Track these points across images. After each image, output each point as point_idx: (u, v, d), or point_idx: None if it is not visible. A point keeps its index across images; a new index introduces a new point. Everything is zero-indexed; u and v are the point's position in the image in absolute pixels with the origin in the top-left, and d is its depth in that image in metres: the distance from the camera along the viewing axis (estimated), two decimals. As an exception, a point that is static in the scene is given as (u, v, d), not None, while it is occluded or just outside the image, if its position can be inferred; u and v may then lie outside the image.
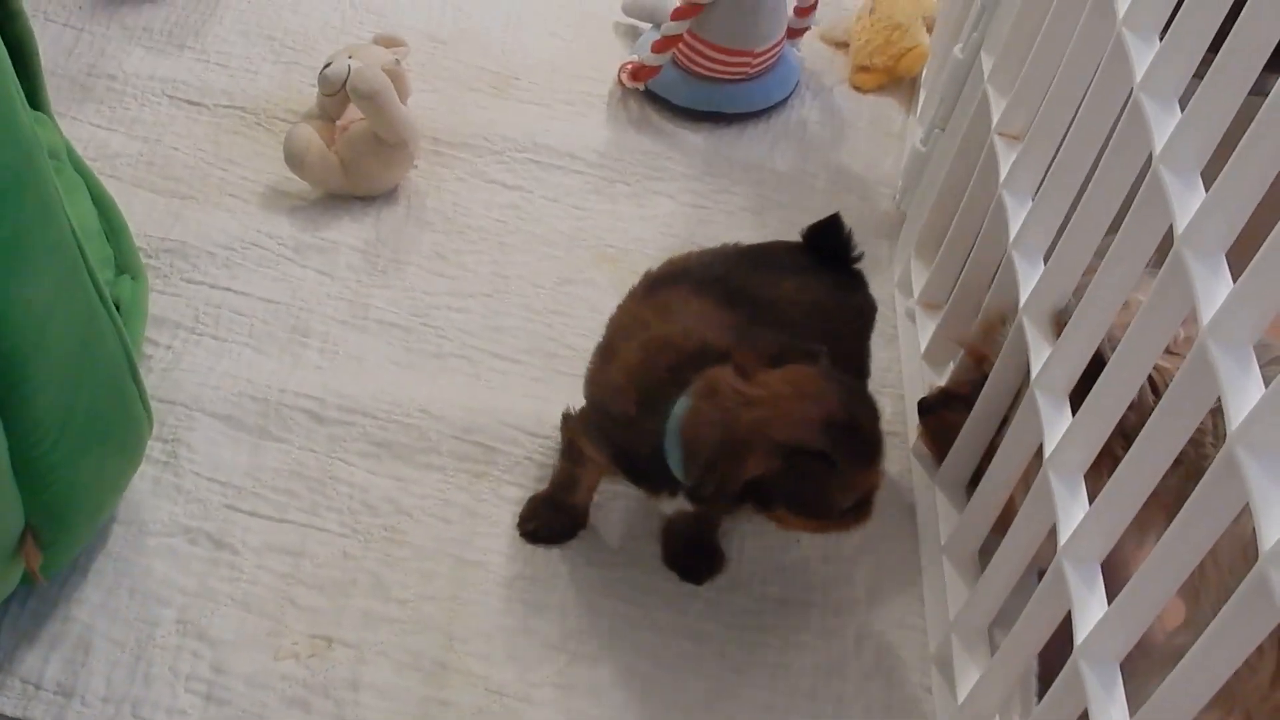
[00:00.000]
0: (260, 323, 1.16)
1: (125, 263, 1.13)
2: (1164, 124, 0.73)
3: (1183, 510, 0.62)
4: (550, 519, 1.03)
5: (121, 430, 0.88)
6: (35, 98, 1.16)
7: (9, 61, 0.75)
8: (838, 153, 1.41)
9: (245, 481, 1.03)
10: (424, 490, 1.05)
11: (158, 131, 1.34)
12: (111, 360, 0.86)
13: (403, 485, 1.05)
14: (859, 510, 0.89)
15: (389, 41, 1.35)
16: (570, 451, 0.99)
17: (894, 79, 1.48)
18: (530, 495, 1.05)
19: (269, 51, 1.44)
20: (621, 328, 0.97)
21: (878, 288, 1.22)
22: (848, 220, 1.03)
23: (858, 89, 1.48)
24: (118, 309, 1.04)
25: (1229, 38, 0.67)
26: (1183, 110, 0.72)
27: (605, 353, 0.96)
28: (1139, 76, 0.76)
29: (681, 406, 0.86)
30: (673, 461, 0.88)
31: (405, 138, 1.26)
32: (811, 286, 0.98)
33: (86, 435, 0.82)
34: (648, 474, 0.92)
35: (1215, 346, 0.62)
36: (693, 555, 1.03)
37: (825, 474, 0.84)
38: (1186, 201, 0.68)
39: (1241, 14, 0.66)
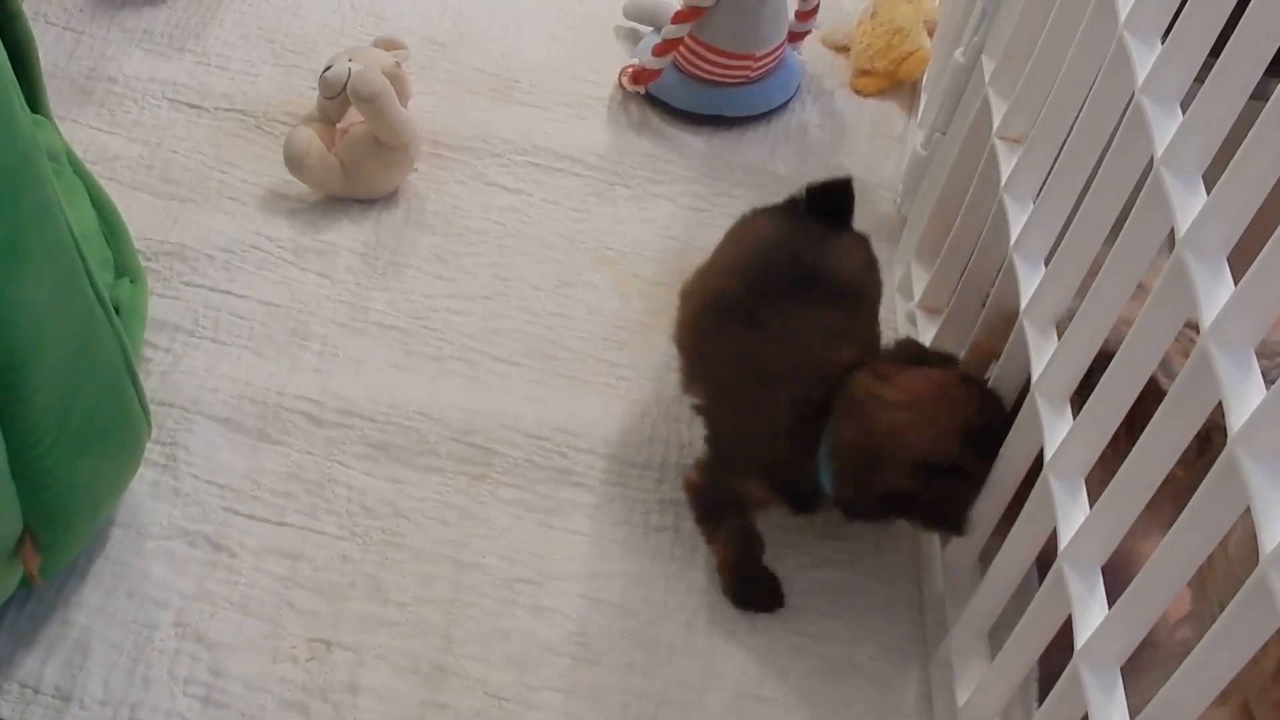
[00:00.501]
0: (259, 325, 1.16)
1: (125, 265, 1.13)
2: (1165, 127, 0.72)
3: (1184, 513, 0.62)
4: (756, 587, 1.00)
5: (120, 433, 0.88)
6: (35, 100, 1.16)
7: (8, 64, 0.75)
8: (838, 156, 1.41)
9: (244, 484, 1.03)
10: (422, 493, 1.05)
11: (158, 134, 1.34)
12: (109, 363, 0.86)
13: (401, 488, 1.05)
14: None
15: (389, 44, 1.36)
16: (726, 506, 0.98)
17: (895, 83, 1.48)
18: (722, 581, 1.00)
19: (269, 54, 1.44)
20: (733, 361, 0.96)
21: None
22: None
23: (859, 93, 1.48)
24: (117, 312, 1.04)
25: (1230, 41, 0.67)
26: (1184, 113, 0.72)
27: (733, 393, 0.95)
28: (1140, 79, 0.76)
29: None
30: (824, 477, 0.90)
31: (405, 141, 1.26)
32: (844, 253, 1.02)
33: (84, 437, 0.82)
34: (804, 495, 0.94)
35: (1216, 349, 0.62)
36: (750, 585, 1.01)
37: (962, 489, 0.87)
38: (1188, 204, 0.68)
39: (1243, 18, 0.66)
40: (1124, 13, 0.80)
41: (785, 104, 1.45)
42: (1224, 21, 0.72)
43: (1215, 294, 0.64)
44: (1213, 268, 0.65)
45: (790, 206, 1.06)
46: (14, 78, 0.76)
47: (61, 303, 0.79)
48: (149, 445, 1.00)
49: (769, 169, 1.38)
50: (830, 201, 1.03)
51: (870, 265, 1.04)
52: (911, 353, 0.92)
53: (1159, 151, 0.72)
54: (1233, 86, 0.67)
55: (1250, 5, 0.65)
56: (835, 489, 0.90)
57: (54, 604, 0.95)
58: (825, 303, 0.96)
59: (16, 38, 1.10)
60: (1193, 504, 0.62)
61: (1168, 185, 0.70)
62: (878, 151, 1.42)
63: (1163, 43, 0.76)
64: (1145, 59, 0.77)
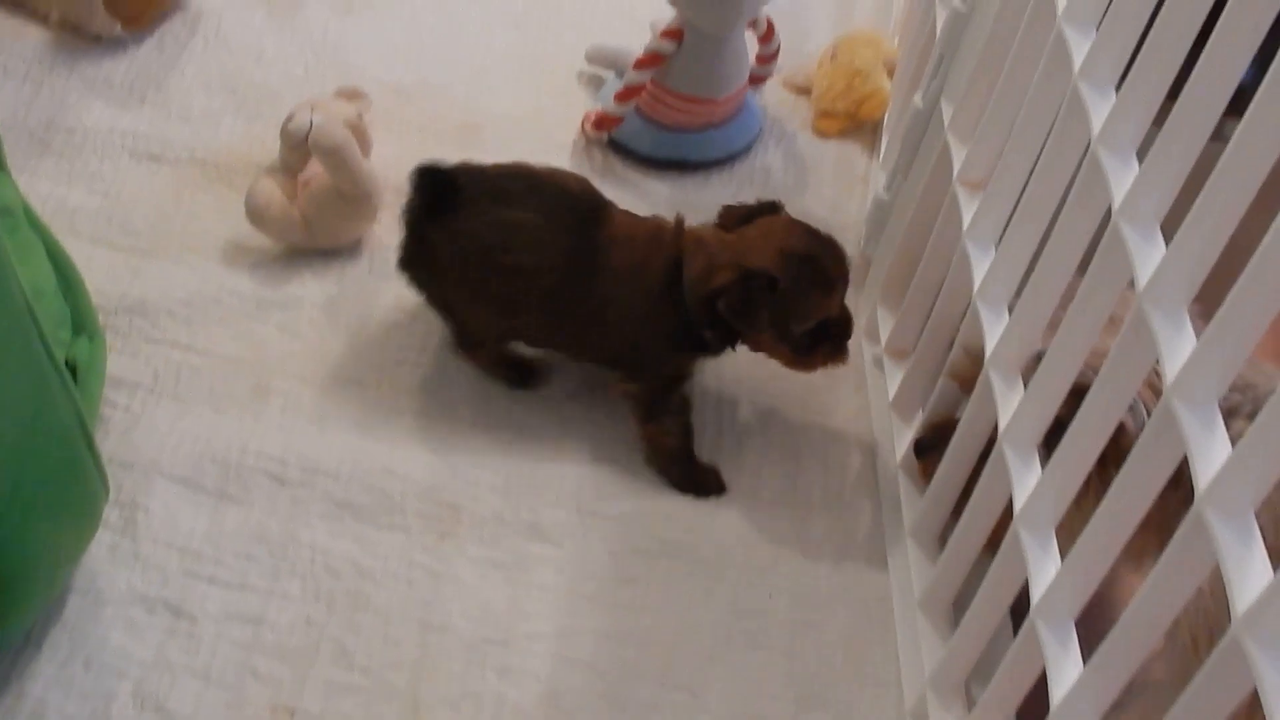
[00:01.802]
0: (221, 381, 1.15)
1: (82, 322, 1.11)
2: (1122, 178, 0.73)
3: (1153, 572, 0.62)
4: (701, 472, 1.13)
5: (76, 500, 0.86)
6: (-11, 156, 1.14)
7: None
8: (802, 199, 1.41)
9: (205, 547, 1.02)
10: (387, 552, 1.03)
11: (117, 186, 1.33)
12: (64, 429, 0.84)
13: (366, 547, 1.03)
14: (829, 346, 1.08)
15: (351, 94, 1.35)
16: (663, 394, 1.12)
17: (856, 124, 1.48)
18: (667, 470, 1.12)
19: (231, 103, 1.43)
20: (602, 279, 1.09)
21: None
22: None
23: (821, 134, 1.49)
24: (74, 371, 1.03)
25: (1185, 88, 0.66)
26: (1141, 160, 0.72)
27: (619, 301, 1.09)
28: (1096, 130, 0.76)
29: (687, 262, 1.07)
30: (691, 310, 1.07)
31: (367, 192, 1.25)
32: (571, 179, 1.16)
33: (38, 506, 0.81)
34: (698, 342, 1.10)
35: (1180, 405, 0.62)
36: (696, 471, 1.13)
37: (777, 292, 1.03)
38: (1147, 256, 0.68)
39: (1197, 65, 0.66)
40: (1078, 62, 0.81)
41: (748, 147, 1.45)
42: (1178, 69, 0.72)
43: (1178, 347, 0.63)
44: (1174, 320, 0.65)
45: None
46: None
47: (11, 369, 0.78)
48: (107, 508, 0.98)
49: (734, 212, 1.38)
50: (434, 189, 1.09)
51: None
52: (739, 213, 1.10)
53: (1116, 203, 0.72)
54: (1189, 134, 0.67)
55: (1204, 54, 0.65)
56: (695, 316, 1.07)
57: (8, 675, 0.93)
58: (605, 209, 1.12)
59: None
60: (1163, 562, 0.61)
61: (1126, 237, 0.70)
62: (841, 193, 1.42)
63: (1118, 89, 0.76)
64: (1100, 109, 0.77)
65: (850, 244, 1.34)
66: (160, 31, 1.50)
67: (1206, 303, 0.64)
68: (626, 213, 1.13)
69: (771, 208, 1.10)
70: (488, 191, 1.09)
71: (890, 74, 1.47)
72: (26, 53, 1.46)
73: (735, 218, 1.09)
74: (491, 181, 1.10)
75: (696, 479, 1.12)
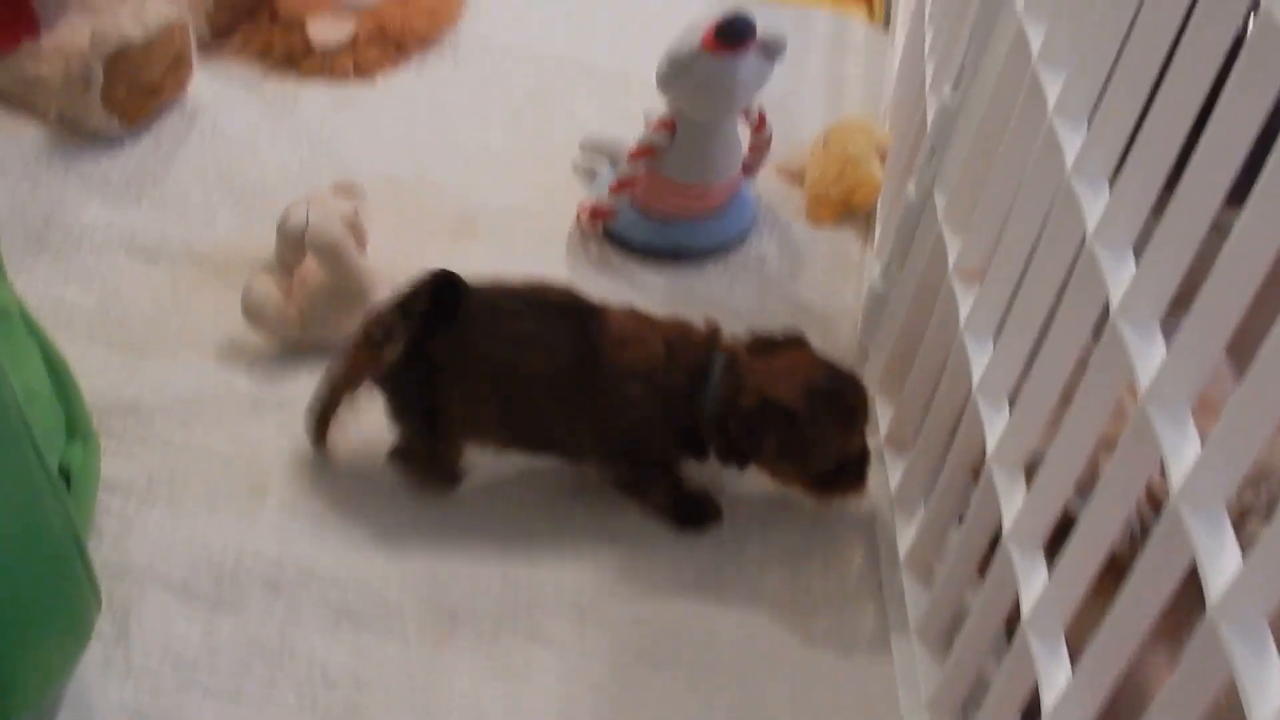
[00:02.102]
0: (216, 483, 1.14)
1: (76, 426, 1.10)
2: (1119, 276, 0.72)
3: (1169, 684, 0.61)
4: (696, 506, 1.16)
5: (67, 614, 0.85)
6: (-15, 258, 1.14)
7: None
8: (797, 287, 1.41)
9: (199, 656, 1.00)
10: (385, 658, 1.01)
11: (114, 284, 1.33)
12: (56, 542, 0.83)
13: (363, 654, 1.01)
14: (849, 478, 1.11)
15: (347, 189, 1.35)
16: (655, 477, 1.14)
17: (850, 211, 1.49)
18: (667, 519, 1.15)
19: (228, 199, 1.44)
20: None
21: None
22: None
23: (814, 222, 1.49)
24: (68, 477, 1.02)
25: (1182, 182, 0.66)
26: (1139, 254, 0.71)
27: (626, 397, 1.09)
28: (1091, 227, 0.76)
29: (714, 380, 1.08)
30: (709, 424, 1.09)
31: (363, 287, 1.25)
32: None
33: (28, 623, 0.79)
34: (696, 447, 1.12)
35: (1187, 510, 0.61)
36: (692, 507, 1.16)
37: (796, 427, 1.05)
38: (1147, 357, 0.68)
39: (1193, 159, 0.65)
40: (1070, 157, 0.81)
41: (743, 236, 1.45)
42: (1173, 162, 0.72)
43: (1182, 452, 0.63)
44: (1178, 423, 0.65)
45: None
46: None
47: (4, 484, 0.77)
48: (99, 619, 0.96)
49: (728, 304, 1.37)
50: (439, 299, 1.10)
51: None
52: (765, 341, 1.12)
53: (1114, 301, 0.72)
54: (1187, 229, 0.67)
55: (1201, 146, 0.64)
56: (708, 430, 1.09)
57: (0, 791, 0.91)
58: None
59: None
60: (1179, 674, 0.60)
61: (1125, 336, 0.70)
62: (836, 281, 1.42)
63: (1113, 183, 0.76)
64: (1094, 206, 0.77)
65: (846, 333, 1.35)
66: (157, 127, 1.51)
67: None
68: (633, 312, 1.14)
69: (797, 342, 1.12)
70: (486, 305, 1.10)
71: (882, 161, 1.48)
72: (24, 150, 1.47)
73: (762, 345, 1.11)
74: (486, 295, 1.11)
75: (692, 520, 1.15)
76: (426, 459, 1.15)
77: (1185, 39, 0.67)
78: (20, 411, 0.82)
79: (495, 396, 1.10)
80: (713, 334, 1.12)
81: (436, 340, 1.08)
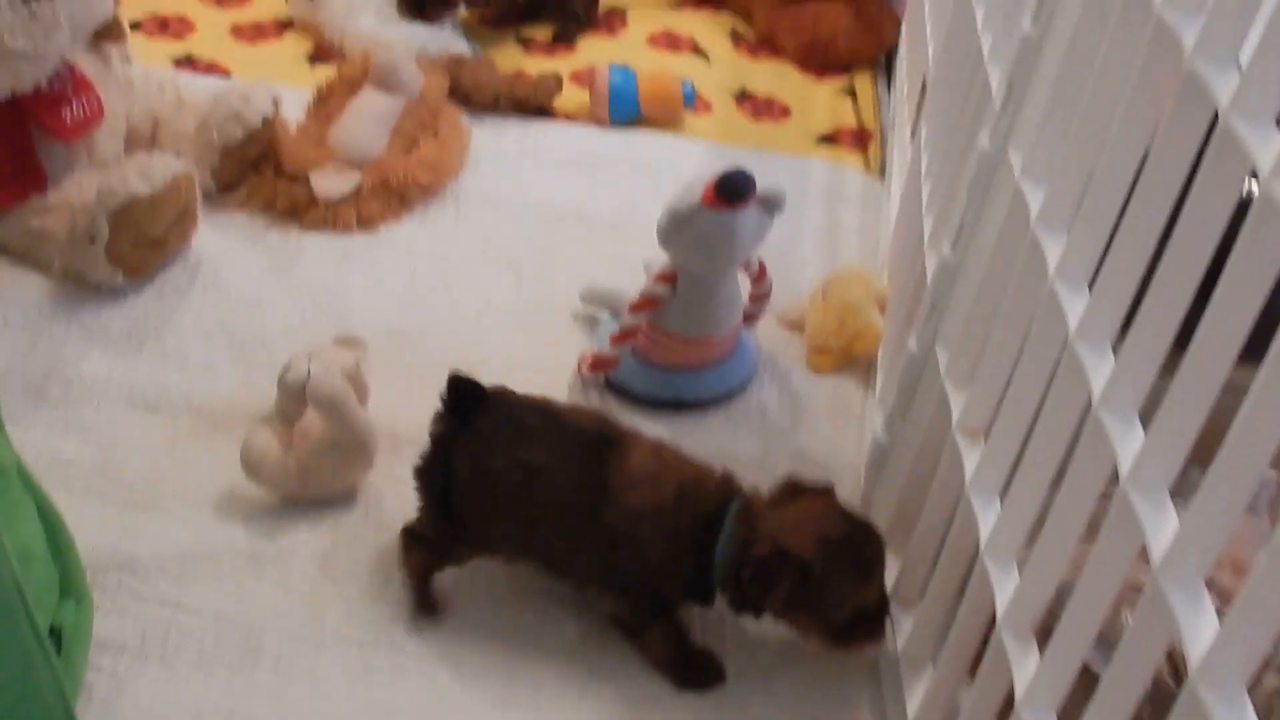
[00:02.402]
0: (210, 642, 1.12)
1: (70, 585, 1.09)
2: (1127, 445, 0.72)
3: None
4: (699, 667, 1.14)
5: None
6: (-14, 417, 1.14)
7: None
8: (798, 437, 1.41)
9: (189, 828, 0.97)
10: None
11: (112, 437, 1.32)
12: (46, 709, 0.81)
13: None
14: (867, 628, 1.08)
15: (349, 342, 1.36)
16: (653, 617, 1.13)
17: (850, 360, 1.50)
18: (665, 673, 1.13)
19: (229, 351, 1.44)
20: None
21: (848, 579, 1.19)
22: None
23: (815, 371, 1.50)
24: (60, 639, 1.00)
25: (1190, 347, 0.66)
26: (1146, 420, 0.71)
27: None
28: (1096, 393, 0.76)
29: (728, 528, 1.08)
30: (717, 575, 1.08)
31: (364, 442, 1.24)
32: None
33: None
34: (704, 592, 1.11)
35: (1204, 689, 0.60)
36: (694, 667, 1.14)
37: (812, 579, 1.03)
38: (1159, 528, 0.67)
39: (1202, 323, 0.65)
40: (1073, 322, 0.81)
41: (744, 385, 1.45)
42: (1180, 322, 0.72)
43: (1197, 628, 0.62)
44: (1192, 597, 0.64)
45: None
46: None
47: (-2, 657, 0.76)
48: (89, 788, 0.94)
49: (730, 454, 1.37)
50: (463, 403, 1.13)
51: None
52: (791, 487, 1.11)
53: (1124, 470, 0.71)
54: (1198, 394, 0.66)
55: (1213, 302, 0.64)
56: (720, 577, 1.08)
57: None
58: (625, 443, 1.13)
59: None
60: None
61: (1136, 506, 0.69)
62: (838, 431, 1.42)
63: (1117, 347, 0.76)
64: (1099, 371, 0.77)
65: (849, 484, 1.34)
66: (160, 279, 1.52)
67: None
68: (658, 449, 1.14)
69: (824, 492, 1.11)
70: (509, 424, 1.12)
71: (882, 310, 1.49)
72: (27, 302, 1.47)
73: (788, 493, 1.11)
74: (513, 413, 1.13)
75: (693, 679, 1.13)
76: (433, 551, 1.16)
77: (1188, 205, 0.67)
78: (15, 577, 0.80)
79: (506, 514, 1.12)
80: (727, 480, 1.12)
81: (458, 449, 1.11)
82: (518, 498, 1.10)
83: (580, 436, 1.12)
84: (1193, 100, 0.66)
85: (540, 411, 1.14)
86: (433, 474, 1.13)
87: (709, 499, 1.10)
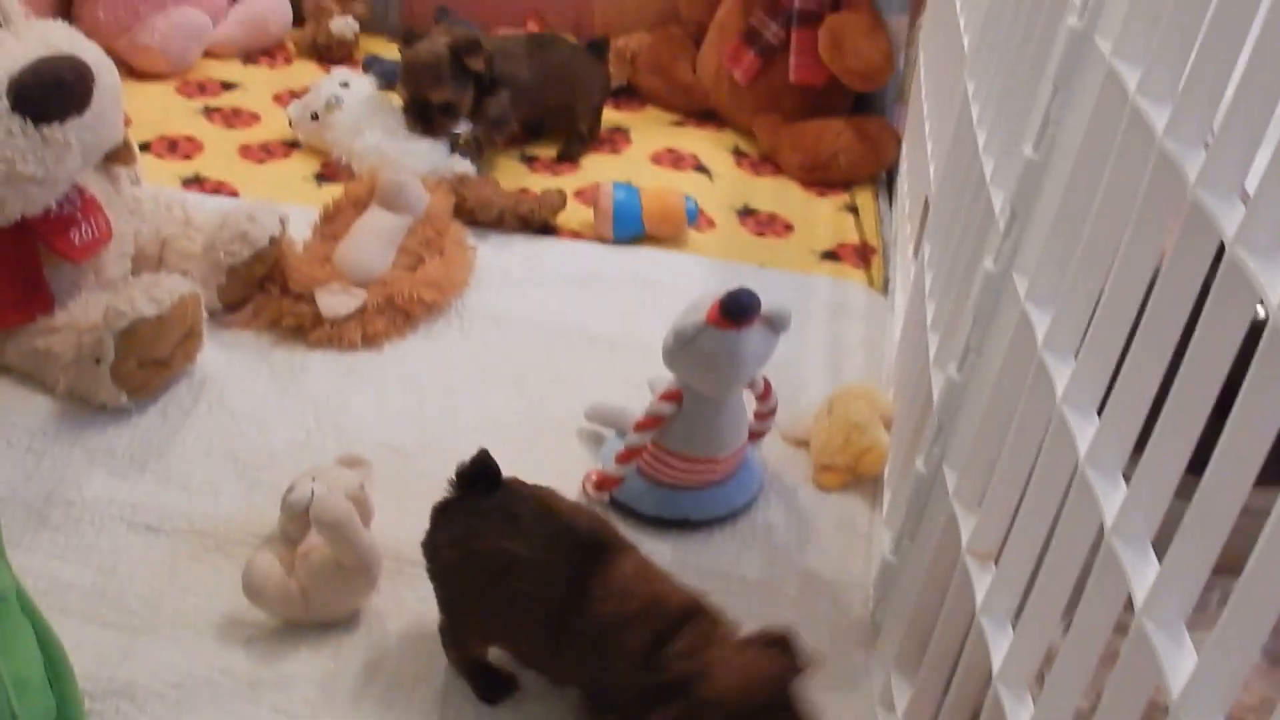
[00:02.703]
0: (209, 773, 1.09)
1: (67, 713, 1.07)
2: (1142, 574, 0.71)
3: None
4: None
5: None
6: (-13, 541, 1.13)
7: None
8: (805, 556, 1.40)
9: None
10: None
11: (113, 560, 1.31)
12: None
13: None
14: None
15: (352, 462, 1.35)
16: None
17: (856, 477, 1.49)
18: None
19: (231, 471, 1.43)
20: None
21: (855, 701, 1.18)
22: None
23: (821, 488, 1.49)
24: (55, 773, 0.98)
25: (1208, 471, 0.65)
26: (1160, 549, 0.70)
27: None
28: (1109, 520, 0.76)
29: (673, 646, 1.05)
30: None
31: (368, 564, 1.23)
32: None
33: None
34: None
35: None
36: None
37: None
38: (1177, 664, 0.66)
39: (1220, 444, 0.64)
40: (1083, 448, 0.81)
41: (750, 504, 1.44)
42: (1194, 446, 0.71)
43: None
44: (1215, 734, 0.62)
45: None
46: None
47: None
48: None
49: (737, 573, 1.36)
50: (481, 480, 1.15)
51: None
52: (770, 638, 1.05)
53: (1138, 601, 0.70)
54: (1215, 521, 0.65)
55: (1225, 435, 0.63)
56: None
57: None
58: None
59: (-28, 480, 1.09)
60: None
61: (1153, 639, 0.68)
62: (845, 549, 1.41)
63: (1129, 473, 0.75)
64: (1111, 497, 0.76)
65: (857, 605, 1.33)
66: (165, 399, 1.52)
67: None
68: (643, 567, 1.13)
69: (791, 661, 1.04)
70: (504, 511, 1.13)
71: (887, 428, 1.48)
72: (31, 424, 1.47)
73: (758, 639, 1.06)
74: (512, 501, 1.14)
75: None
76: (455, 648, 1.19)
77: (1198, 332, 0.67)
78: (10, 707, 0.79)
79: (486, 600, 1.12)
80: (694, 603, 1.09)
81: (453, 524, 1.14)
82: (497, 585, 1.11)
83: (572, 537, 1.12)
84: (1197, 230, 0.67)
85: (538, 505, 1.14)
86: (428, 549, 1.16)
87: (668, 617, 1.07)
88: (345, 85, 2.06)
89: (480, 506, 1.13)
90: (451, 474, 1.16)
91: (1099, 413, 0.81)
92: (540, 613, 1.10)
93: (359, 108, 2.03)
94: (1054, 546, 0.86)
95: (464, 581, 1.14)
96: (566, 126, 2.17)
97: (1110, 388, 0.79)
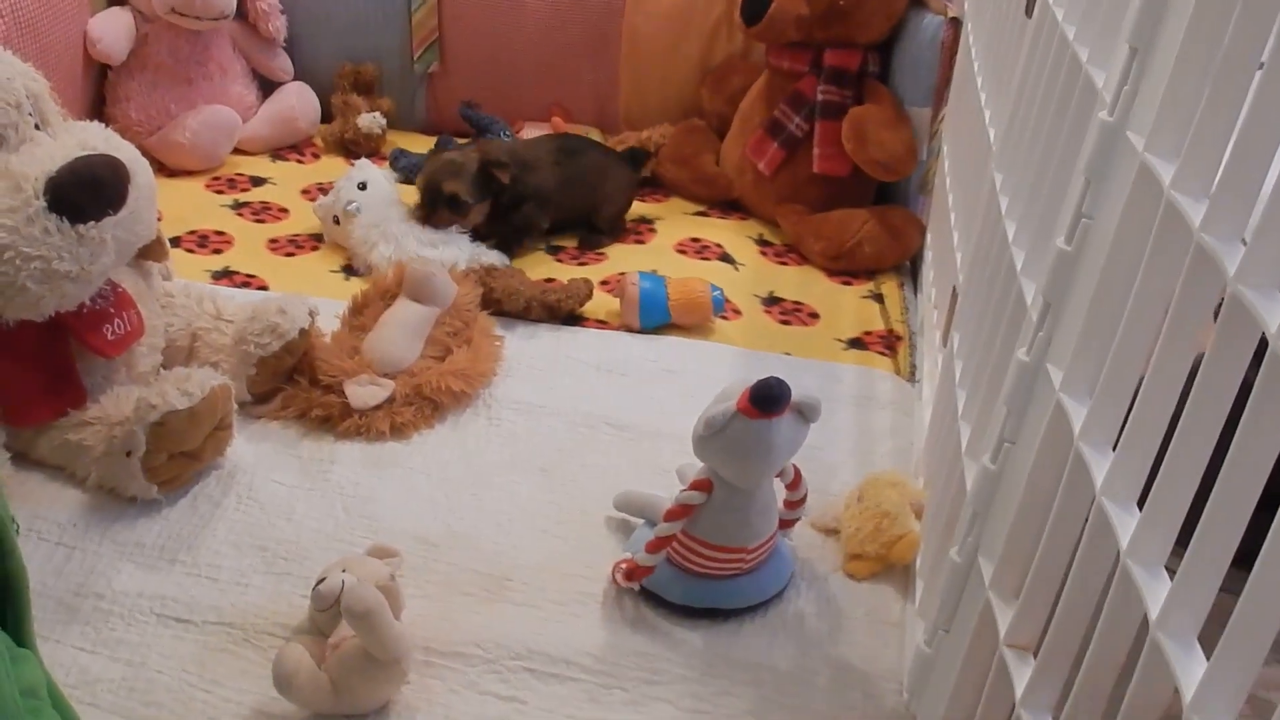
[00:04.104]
0: None
1: (97, 812, 1.06)
2: (1190, 672, 0.70)
3: None
4: None
5: None
6: (21, 635, 1.13)
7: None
8: (837, 646, 1.38)
9: None
10: None
11: (142, 653, 1.30)
12: None
13: None
14: None
15: (383, 552, 1.35)
16: None
17: (887, 566, 1.48)
18: None
19: (260, 562, 1.43)
20: None
21: (895, 798, 1.16)
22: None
23: (852, 577, 1.48)
24: None
25: (1256, 568, 0.64)
26: (1209, 646, 0.69)
27: None
28: (1153, 615, 0.75)
29: None
30: None
31: (398, 656, 1.22)
32: None
33: None
34: None
35: None
36: None
37: None
38: (1231, 761, 0.65)
39: (1269, 539, 0.63)
40: (1124, 539, 0.80)
41: (781, 593, 1.43)
42: (1237, 543, 0.71)
43: None
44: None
45: None
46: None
47: None
48: None
49: (768, 664, 1.34)
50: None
51: None
52: None
53: (1186, 699, 0.69)
54: (1263, 620, 0.65)
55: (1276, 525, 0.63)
56: None
57: None
58: None
59: (9, 573, 1.09)
60: None
61: (1204, 735, 0.67)
62: (877, 639, 1.39)
63: (1173, 567, 0.75)
64: (1156, 593, 0.76)
65: (891, 696, 1.31)
66: (194, 491, 1.53)
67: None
68: None
69: None
70: None
71: (918, 515, 1.47)
72: (61, 517, 1.48)
73: None
74: None
75: None
76: None
77: (1242, 425, 0.67)
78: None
79: None
80: None
81: None
82: None
83: None
84: (1238, 323, 0.67)
85: None
86: None
87: None
88: (363, 187, 2.08)
89: None
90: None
91: (1140, 505, 0.80)
92: None
93: (377, 212, 2.05)
94: (1096, 640, 0.85)
95: None
96: (588, 224, 2.21)
97: (1150, 479, 0.79)
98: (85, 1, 2.27)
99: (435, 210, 2.03)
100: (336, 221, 2.07)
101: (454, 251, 1.98)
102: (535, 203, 2.10)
